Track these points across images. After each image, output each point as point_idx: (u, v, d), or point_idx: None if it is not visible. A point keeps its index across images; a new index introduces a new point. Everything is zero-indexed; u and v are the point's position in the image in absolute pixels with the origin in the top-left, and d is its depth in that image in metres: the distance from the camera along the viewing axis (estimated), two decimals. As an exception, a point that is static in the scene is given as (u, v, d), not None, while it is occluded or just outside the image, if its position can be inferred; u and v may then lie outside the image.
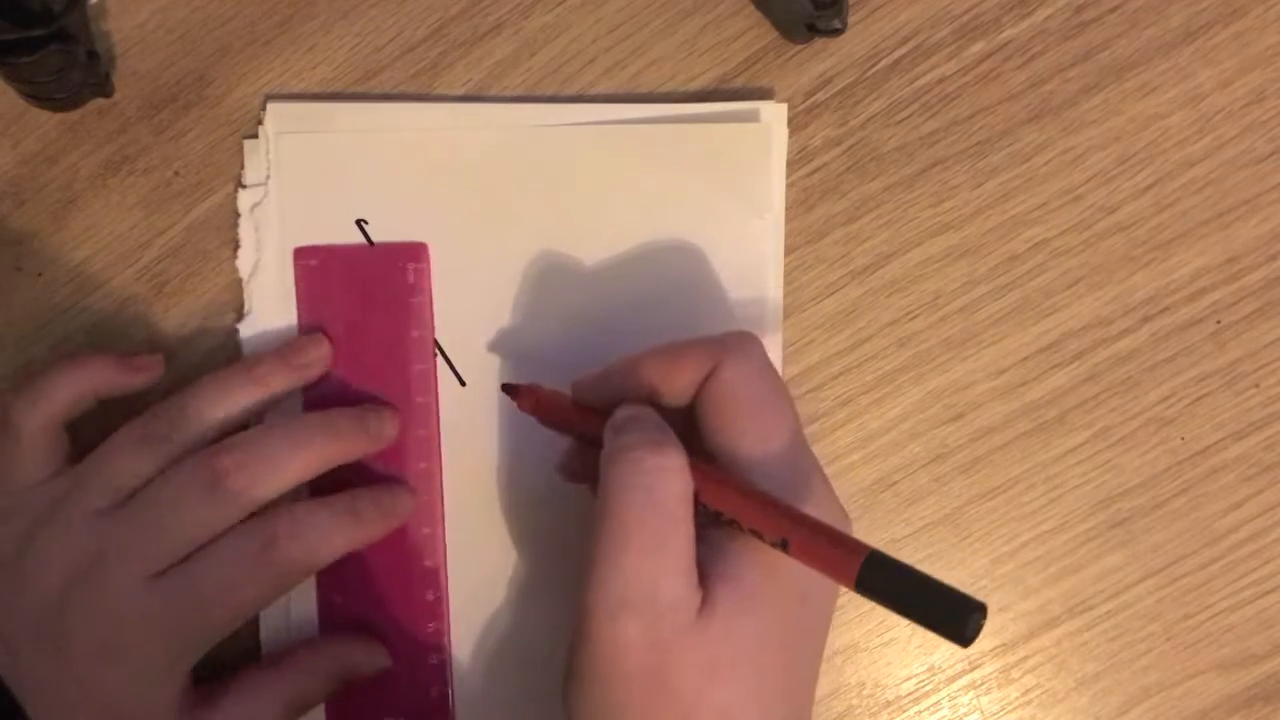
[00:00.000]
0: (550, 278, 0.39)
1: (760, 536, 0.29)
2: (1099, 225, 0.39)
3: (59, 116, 0.39)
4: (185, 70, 0.39)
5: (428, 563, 0.38)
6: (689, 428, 0.32)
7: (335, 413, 0.37)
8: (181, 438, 0.34)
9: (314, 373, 0.38)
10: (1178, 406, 0.39)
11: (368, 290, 0.38)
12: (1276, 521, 0.39)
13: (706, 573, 0.30)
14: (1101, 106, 0.39)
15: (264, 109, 0.39)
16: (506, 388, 0.36)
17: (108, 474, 0.34)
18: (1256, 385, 0.39)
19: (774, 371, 0.33)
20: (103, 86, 0.38)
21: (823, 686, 0.39)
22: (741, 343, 0.32)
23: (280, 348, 0.37)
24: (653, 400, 0.32)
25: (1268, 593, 0.39)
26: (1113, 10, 0.39)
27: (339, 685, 0.37)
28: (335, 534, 0.35)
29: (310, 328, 0.38)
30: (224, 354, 0.39)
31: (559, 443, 0.37)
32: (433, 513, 0.38)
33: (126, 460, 0.34)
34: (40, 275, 0.39)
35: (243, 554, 0.33)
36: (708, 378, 0.32)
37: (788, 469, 0.31)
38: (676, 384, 0.32)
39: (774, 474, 0.31)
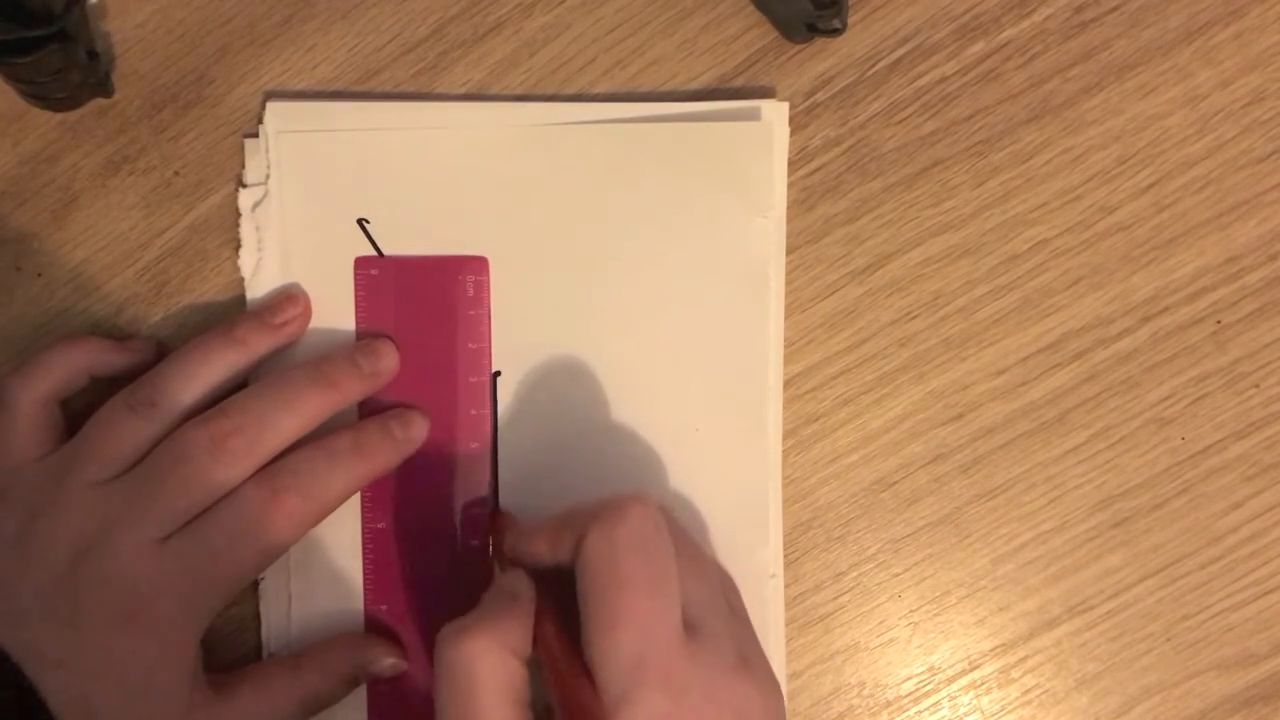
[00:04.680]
0: (550, 277, 0.39)
1: None
2: (1099, 225, 0.39)
3: (59, 116, 0.39)
4: (185, 70, 0.39)
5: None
6: None
7: (325, 360, 0.36)
8: (168, 404, 0.35)
9: (293, 330, 0.37)
10: (1178, 406, 0.39)
11: (426, 301, 0.38)
12: (1276, 521, 0.39)
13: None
14: (1101, 106, 0.39)
15: (264, 108, 0.39)
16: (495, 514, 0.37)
17: (101, 446, 0.34)
18: (1256, 385, 0.39)
19: (645, 551, 0.29)
20: (103, 86, 0.38)
21: (823, 686, 0.40)
22: (611, 513, 0.30)
23: (258, 308, 0.38)
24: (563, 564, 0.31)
25: (1268, 593, 0.39)
26: (1113, 10, 0.39)
27: (354, 685, 0.37)
28: (337, 477, 0.35)
29: (368, 337, 0.38)
30: (224, 354, 0.39)
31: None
32: (483, 525, 0.39)
33: (118, 431, 0.35)
34: (40, 275, 0.39)
35: (246, 512, 0.34)
36: (577, 545, 0.30)
37: (619, 670, 0.28)
38: (560, 553, 0.31)
39: (602, 671, 0.28)
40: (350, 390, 0.36)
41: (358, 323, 0.38)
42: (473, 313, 0.38)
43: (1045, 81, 0.39)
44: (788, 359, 0.39)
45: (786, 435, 0.39)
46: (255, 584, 0.38)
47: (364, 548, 0.38)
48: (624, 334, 0.38)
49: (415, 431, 0.37)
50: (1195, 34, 0.39)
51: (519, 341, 0.39)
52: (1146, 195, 0.39)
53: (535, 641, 0.30)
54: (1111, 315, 0.39)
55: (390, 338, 0.38)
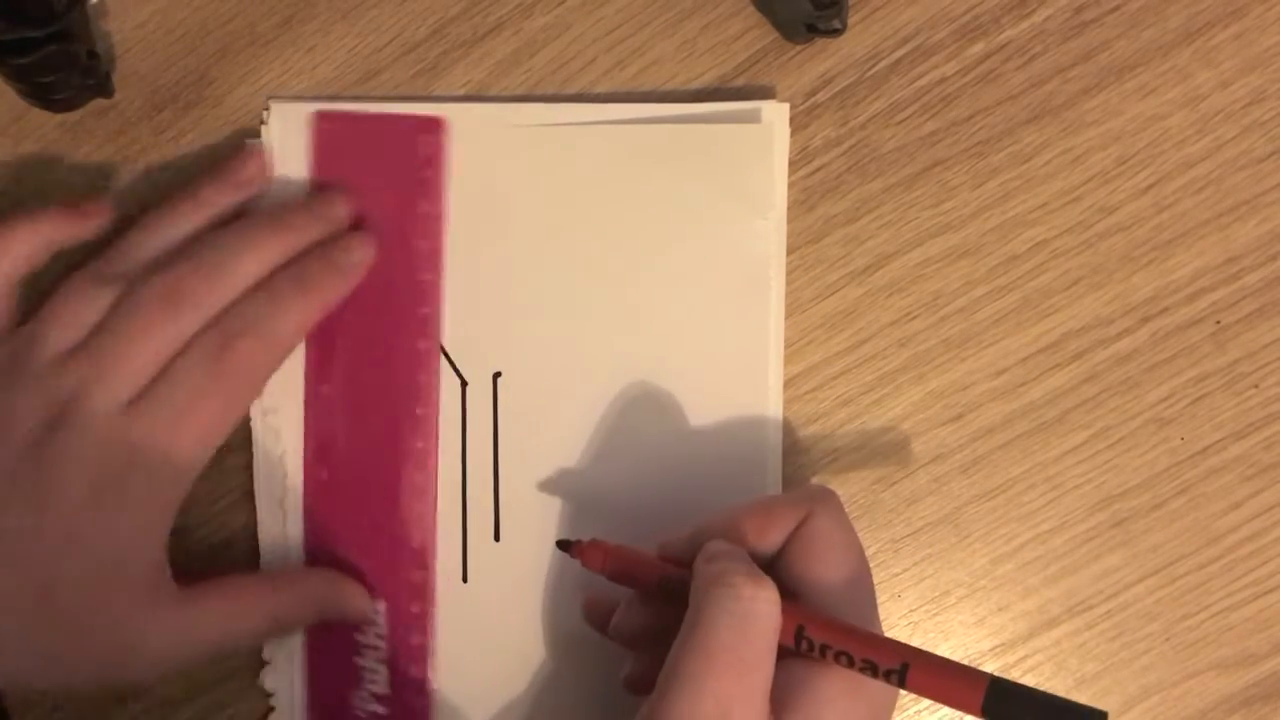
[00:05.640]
0: (550, 278, 0.39)
1: (872, 667, 0.30)
2: (1099, 225, 0.39)
3: (59, 117, 0.39)
4: (186, 70, 0.39)
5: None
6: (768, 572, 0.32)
7: (278, 206, 0.37)
8: (134, 272, 0.35)
9: (254, 187, 0.37)
10: (1178, 406, 0.39)
11: (379, 161, 0.38)
12: (1276, 521, 0.39)
13: (787, 703, 0.30)
14: (1101, 107, 0.39)
15: (266, 109, 0.39)
16: (563, 544, 0.35)
17: (66, 318, 0.34)
18: (1256, 385, 0.39)
19: (850, 521, 0.34)
20: (103, 87, 0.38)
21: (823, 686, 0.40)
22: (829, 496, 0.34)
23: (218, 168, 0.37)
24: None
25: (1268, 593, 0.39)
26: (1113, 11, 0.39)
27: (322, 617, 0.37)
28: (286, 312, 0.35)
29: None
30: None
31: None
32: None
33: (82, 302, 0.34)
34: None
35: (202, 361, 0.34)
36: (800, 525, 0.33)
37: (863, 596, 0.33)
38: (770, 535, 0.33)
39: (852, 600, 0.32)
40: (303, 235, 0.36)
41: (312, 174, 0.38)
42: (425, 173, 0.38)
43: (1045, 82, 0.39)
44: (788, 359, 0.39)
45: (786, 435, 0.39)
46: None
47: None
48: (624, 334, 0.38)
49: (358, 256, 0.37)
50: (1195, 34, 0.39)
51: (519, 341, 0.39)
52: (1146, 196, 0.39)
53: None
54: (1111, 315, 0.39)
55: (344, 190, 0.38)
